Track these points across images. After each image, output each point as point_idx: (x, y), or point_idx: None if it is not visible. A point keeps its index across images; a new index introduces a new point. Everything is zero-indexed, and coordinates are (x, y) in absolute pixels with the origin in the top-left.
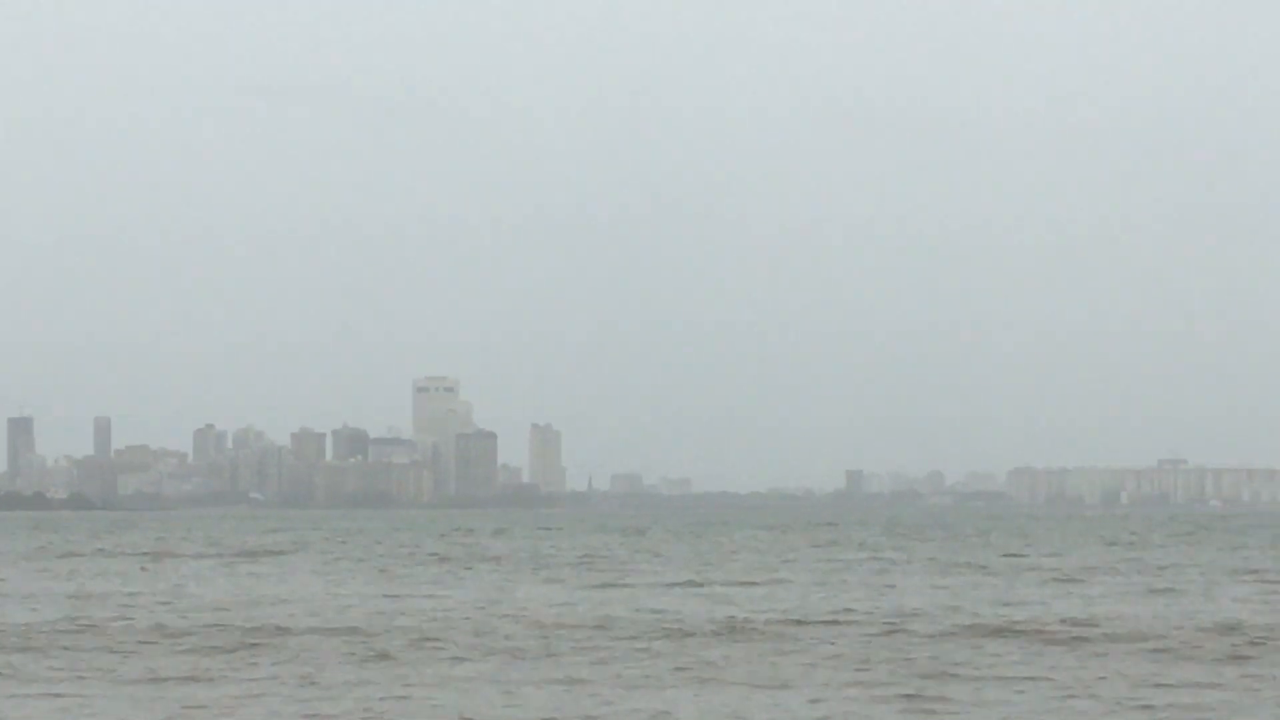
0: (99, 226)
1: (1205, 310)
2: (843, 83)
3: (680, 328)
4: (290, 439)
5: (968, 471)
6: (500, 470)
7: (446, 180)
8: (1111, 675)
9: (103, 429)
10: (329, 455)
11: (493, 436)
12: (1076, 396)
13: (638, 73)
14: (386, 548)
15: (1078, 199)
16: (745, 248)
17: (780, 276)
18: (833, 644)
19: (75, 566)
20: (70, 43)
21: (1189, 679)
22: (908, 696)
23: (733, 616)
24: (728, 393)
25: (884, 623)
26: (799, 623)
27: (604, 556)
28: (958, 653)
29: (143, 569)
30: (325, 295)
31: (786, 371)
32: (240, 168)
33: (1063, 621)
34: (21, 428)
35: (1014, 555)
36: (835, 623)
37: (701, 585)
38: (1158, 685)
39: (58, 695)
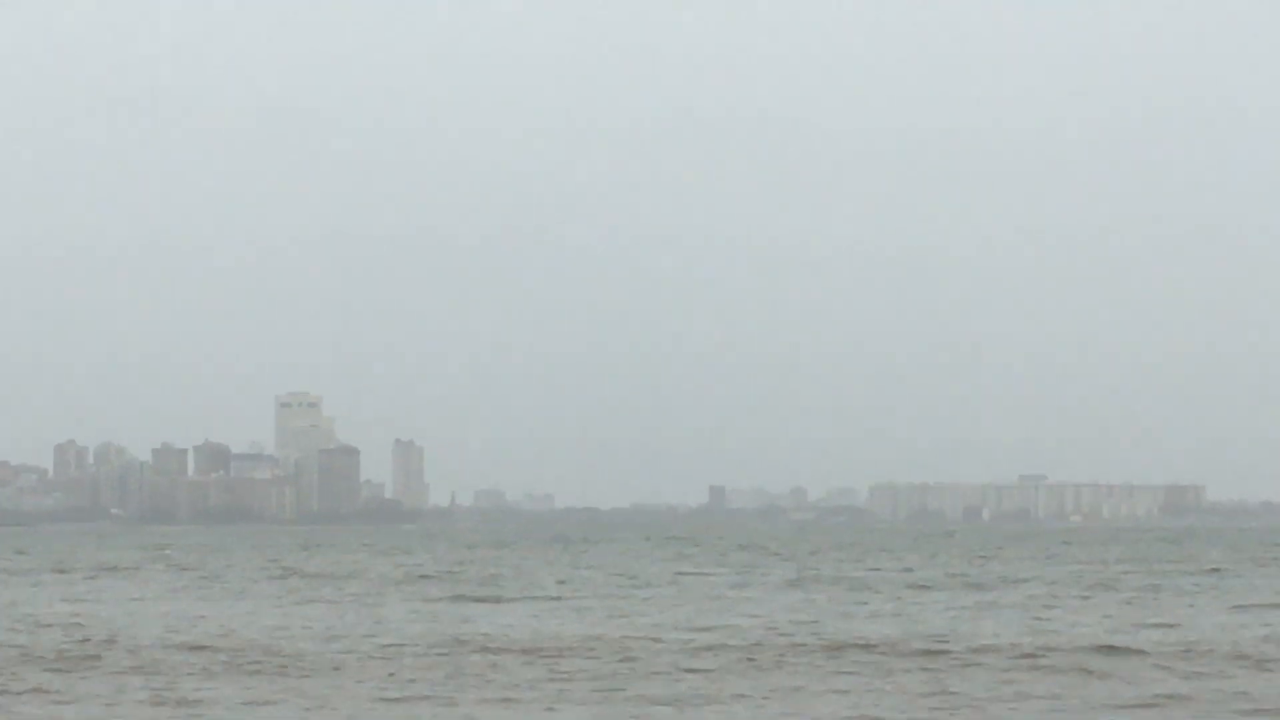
0: None
1: (1063, 329)
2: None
3: (543, 344)
4: (152, 454)
5: (830, 487)
6: (363, 486)
7: (311, 195)
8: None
9: None
10: (191, 471)
11: (355, 452)
12: (939, 412)
13: (506, 87)
14: (237, 563)
15: (930, 215)
16: (603, 267)
17: (641, 293)
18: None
19: None
20: None
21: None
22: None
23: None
24: (591, 408)
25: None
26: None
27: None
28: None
29: None
30: (187, 310)
31: (649, 387)
32: (100, 180)
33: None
34: None
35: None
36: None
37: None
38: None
39: None
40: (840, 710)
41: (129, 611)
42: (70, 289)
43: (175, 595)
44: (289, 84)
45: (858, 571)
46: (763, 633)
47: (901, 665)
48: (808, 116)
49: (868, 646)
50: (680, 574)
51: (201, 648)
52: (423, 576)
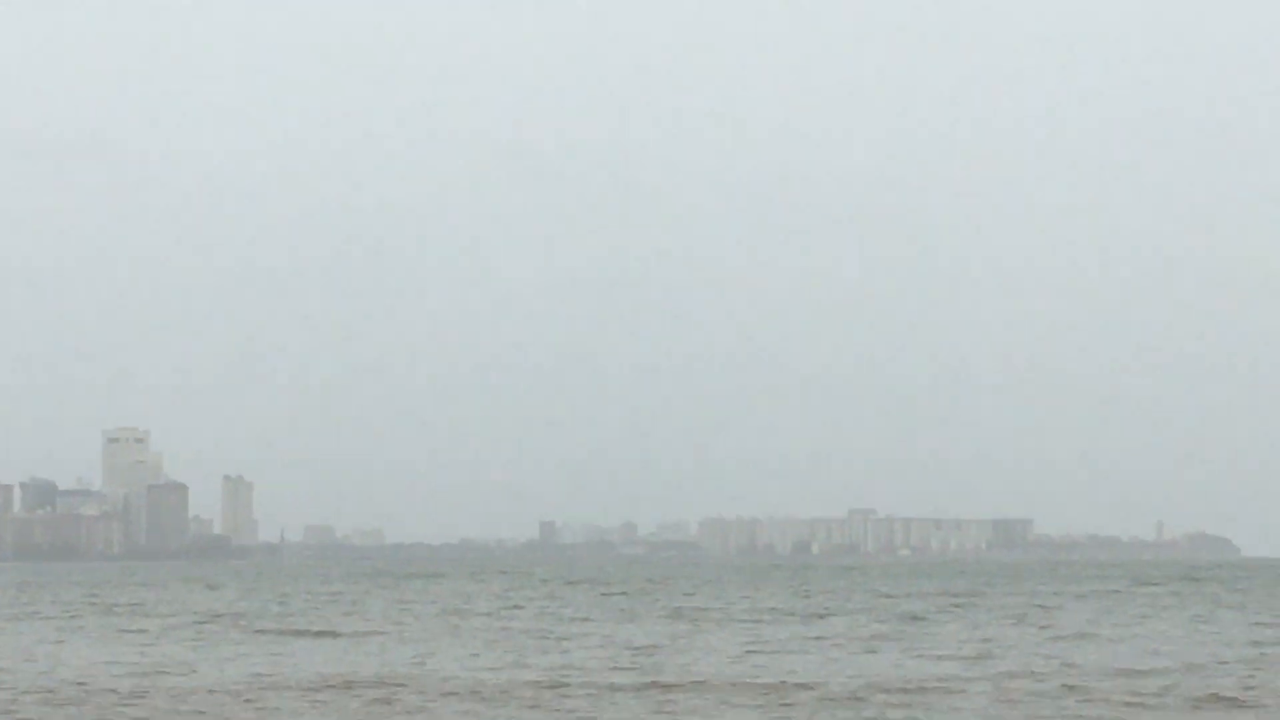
0: None
1: (891, 361)
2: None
3: (371, 378)
4: None
5: (660, 522)
6: (191, 522)
7: (135, 225)
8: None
9: None
10: (16, 507)
11: (184, 488)
12: (768, 447)
13: (337, 114)
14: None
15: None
16: (437, 298)
17: (469, 330)
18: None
19: None
20: None
21: None
22: None
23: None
24: (420, 443)
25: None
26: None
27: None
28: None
29: None
30: (12, 344)
31: (479, 423)
32: None
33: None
34: None
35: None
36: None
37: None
38: None
39: None
40: None
41: None
42: None
43: None
44: (107, 114)
45: (686, 604)
46: (559, 672)
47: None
48: None
49: (667, 686)
50: (503, 609)
51: None
52: (217, 615)
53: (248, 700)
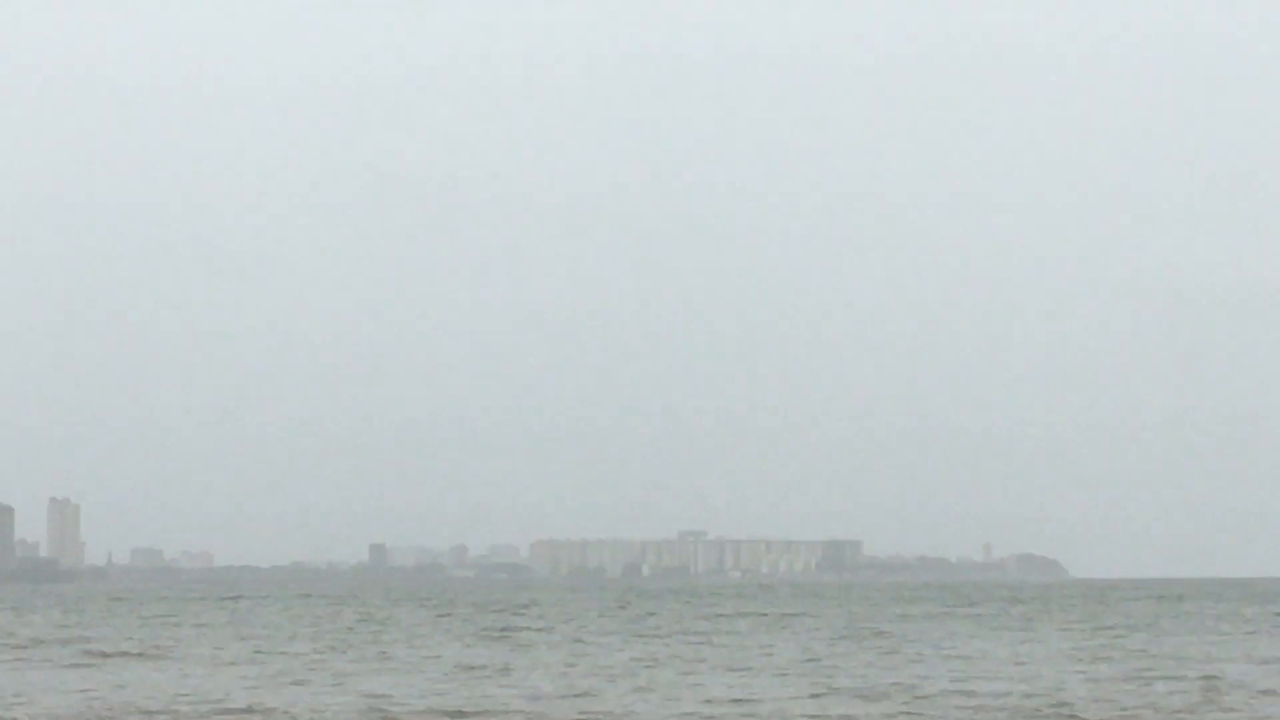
0: None
1: (723, 387)
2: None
3: (199, 399)
4: None
5: (490, 544)
6: (17, 545)
7: None
8: None
9: None
10: None
11: (9, 510)
12: (599, 469)
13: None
14: None
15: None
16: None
17: (291, 349)
18: None
19: None
20: None
21: None
22: None
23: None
24: (249, 465)
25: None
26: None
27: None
28: None
29: None
30: None
31: (308, 444)
32: None
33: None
34: None
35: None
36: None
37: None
38: None
39: None
40: None
41: None
42: None
43: None
44: None
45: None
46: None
47: None
48: None
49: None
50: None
51: None
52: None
53: None
